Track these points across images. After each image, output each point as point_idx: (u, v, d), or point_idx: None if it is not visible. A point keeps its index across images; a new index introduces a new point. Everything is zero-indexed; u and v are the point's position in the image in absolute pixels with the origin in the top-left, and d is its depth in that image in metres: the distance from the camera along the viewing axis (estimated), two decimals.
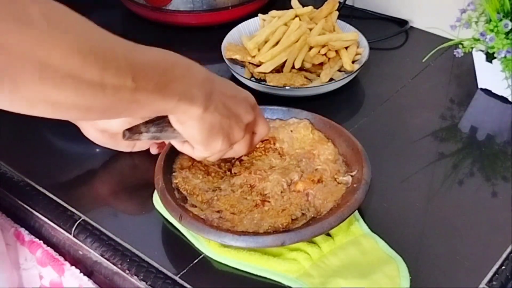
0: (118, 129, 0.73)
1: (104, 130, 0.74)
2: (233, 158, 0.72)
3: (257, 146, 0.73)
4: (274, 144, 0.74)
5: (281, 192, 0.67)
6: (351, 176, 0.68)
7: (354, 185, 0.67)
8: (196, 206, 0.66)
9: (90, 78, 0.47)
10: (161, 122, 0.62)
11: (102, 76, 0.48)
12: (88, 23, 0.49)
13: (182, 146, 0.64)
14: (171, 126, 0.60)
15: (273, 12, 0.97)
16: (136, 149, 0.78)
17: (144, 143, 0.77)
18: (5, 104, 0.46)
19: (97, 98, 0.49)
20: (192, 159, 0.71)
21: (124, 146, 0.77)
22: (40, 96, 0.46)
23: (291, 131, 0.74)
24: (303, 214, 0.65)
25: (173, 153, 0.71)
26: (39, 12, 0.44)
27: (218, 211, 0.65)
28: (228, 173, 0.71)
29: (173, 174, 0.69)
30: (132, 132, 0.62)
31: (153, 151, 0.77)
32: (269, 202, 0.66)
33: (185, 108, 0.56)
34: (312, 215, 0.65)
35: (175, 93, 0.55)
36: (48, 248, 0.73)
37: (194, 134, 0.59)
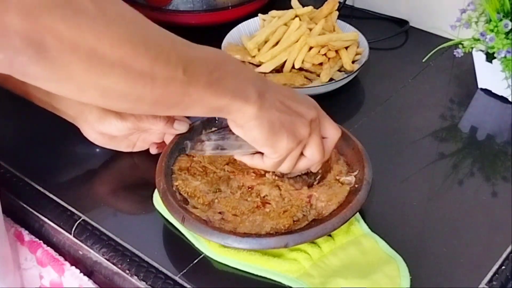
0: (117, 133, 0.73)
1: (104, 133, 0.74)
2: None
3: None
4: None
5: (280, 194, 0.67)
6: (354, 176, 0.68)
7: (356, 186, 0.67)
8: (197, 208, 0.65)
9: (140, 68, 0.47)
10: (221, 130, 0.61)
11: (152, 67, 0.48)
12: (139, 15, 0.50)
13: (252, 160, 0.63)
14: (233, 134, 0.59)
15: (273, 12, 0.97)
16: (136, 149, 0.78)
17: (143, 142, 0.77)
18: (56, 88, 0.47)
19: (147, 88, 0.49)
20: (190, 160, 0.71)
21: (124, 146, 0.77)
22: (90, 83, 0.47)
23: None
24: (304, 215, 0.65)
25: (173, 154, 0.71)
26: (90, 0, 0.44)
27: (220, 213, 0.65)
28: (225, 172, 0.70)
29: (173, 176, 0.69)
30: (193, 142, 0.61)
31: (153, 151, 0.77)
32: (269, 204, 0.66)
33: (239, 106, 0.55)
34: (313, 217, 0.65)
35: (227, 90, 0.54)
36: (48, 248, 0.73)
37: (255, 135, 0.58)
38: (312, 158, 0.63)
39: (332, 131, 0.64)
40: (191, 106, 0.54)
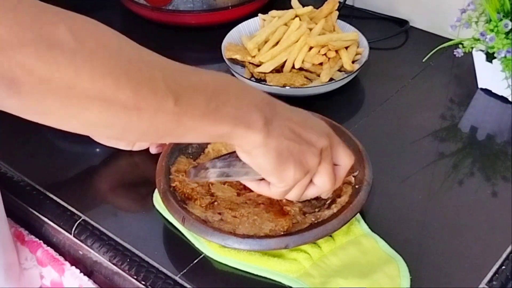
0: None
1: None
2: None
3: None
4: None
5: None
6: (353, 177, 0.68)
7: (356, 186, 0.67)
8: (196, 208, 0.65)
9: (123, 100, 0.45)
10: (227, 156, 0.59)
11: (136, 98, 0.45)
12: (126, 41, 0.48)
13: (258, 186, 0.60)
14: (240, 160, 0.57)
15: (273, 12, 0.97)
16: (135, 148, 0.77)
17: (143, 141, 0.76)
18: (38, 119, 0.46)
19: (133, 119, 0.46)
20: (189, 163, 0.71)
21: (124, 144, 0.76)
22: (70, 116, 0.45)
23: None
24: (304, 216, 0.65)
25: (173, 154, 0.71)
26: (67, 31, 0.43)
27: (219, 213, 0.65)
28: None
29: (170, 176, 0.68)
30: (197, 169, 0.60)
31: (153, 150, 0.77)
32: (270, 206, 0.66)
33: (243, 133, 0.52)
34: (313, 219, 0.65)
35: (228, 118, 0.51)
36: (48, 248, 0.73)
37: (261, 163, 0.55)
38: (322, 187, 0.60)
39: (345, 159, 0.61)
40: (187, 135, 0.51)
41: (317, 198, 0.66)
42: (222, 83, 0.53)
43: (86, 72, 0.43)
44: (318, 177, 0.59)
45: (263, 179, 0.59)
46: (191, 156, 0.73)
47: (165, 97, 0.47)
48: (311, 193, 0.61)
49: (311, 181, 0.59)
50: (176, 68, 0.50)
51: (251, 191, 0.67)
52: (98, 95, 0.44)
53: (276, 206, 0.66)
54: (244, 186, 0.67)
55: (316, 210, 0.66)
